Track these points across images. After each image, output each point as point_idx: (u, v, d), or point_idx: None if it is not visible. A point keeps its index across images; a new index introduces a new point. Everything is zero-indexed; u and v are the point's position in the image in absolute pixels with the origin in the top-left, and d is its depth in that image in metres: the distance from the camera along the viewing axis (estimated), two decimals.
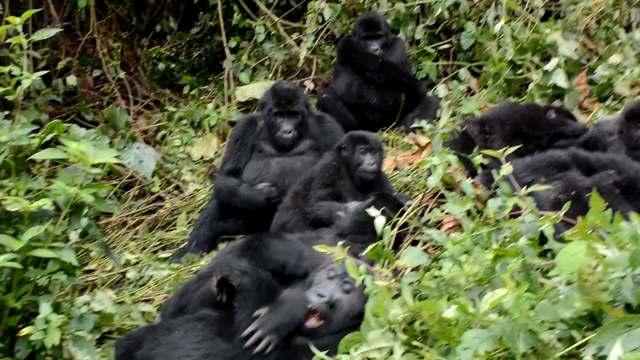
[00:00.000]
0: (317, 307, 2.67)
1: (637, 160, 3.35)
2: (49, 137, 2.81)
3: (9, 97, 2.95)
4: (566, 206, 2.45)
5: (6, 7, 5.39)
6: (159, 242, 4.58)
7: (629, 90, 4.48)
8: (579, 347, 1.77)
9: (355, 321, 2.58)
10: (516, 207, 2.59)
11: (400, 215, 3.05)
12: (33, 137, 2.80)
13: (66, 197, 2.59)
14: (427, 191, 3.17)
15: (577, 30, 5.08)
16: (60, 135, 2.78)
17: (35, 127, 2.82)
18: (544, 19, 5.59)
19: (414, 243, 3.02)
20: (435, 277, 2.41)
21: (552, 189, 3.05)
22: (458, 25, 5.81)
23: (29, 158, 2.81)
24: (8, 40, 3.15)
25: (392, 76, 5.29)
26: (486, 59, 5.28)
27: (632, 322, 1.65)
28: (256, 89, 5.82)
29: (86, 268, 4.19)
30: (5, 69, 2.97)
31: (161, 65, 7.09)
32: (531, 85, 4.59)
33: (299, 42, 6.17)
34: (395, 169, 4.53)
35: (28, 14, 3.04)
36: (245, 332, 2.59)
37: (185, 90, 6.63)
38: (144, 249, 4.49)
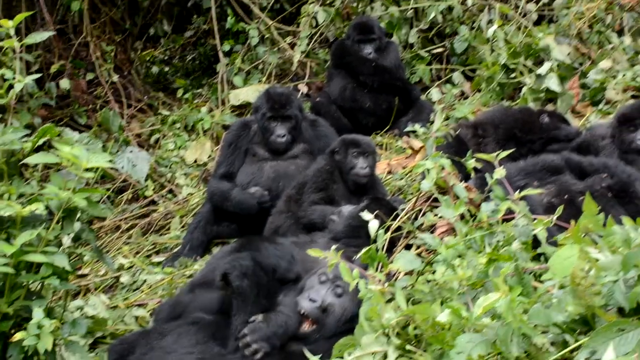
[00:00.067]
0: (309, 312, 2.67)
1: (629, 164, 3.36)
2: (41, 141, 2.80)
3: (2, 101, 2.95)
4: (559, 210, 2.46)
5: None
6: (153, 246, 4.56)
7: (620, 95, 4.49)
8: (572, 351, 1.77)
9: (348, 325, 2.59)
10: (509, 211, 2.59)
11: (394, 219, 3.05)
12: (25, 141, 2.79)
13: (59, 201, 2.58)
14: (421, 195, 3.17)
15: (569, 35, 5.10)
16: (53, 139, 2.77)
17: (28, 131, 2.81)
18: (537, 23, 5.61)
19: (408, 247, 3.02)
20: (429, 281, 2.41)
21: (546, 192, 3.06)
22: (451, 29, 5.83)
23: (21, 162, 2.80)
24: (1, 44, 3.14)
25: (385, 80, 5.29)
26: (479, 62, 5.29)
27: (625, 326, 1.65)
28: (250, 93, 5.82)
29: (79, 272, 4.17)
30: None
31: (155, 69, 7.08)
32: (524, 89, 4.61)
33: (292, 45, 6.16)
34: (389, 172, 4.54)
35: (21, 17, 3.03)
36: (237, 335, 2.60)
37: (179, 93, 6.62)
38: (137, 253, 4.48)
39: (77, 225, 2.67)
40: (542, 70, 4.57)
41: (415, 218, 3.12)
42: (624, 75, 4.63)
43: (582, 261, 1.78)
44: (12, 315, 2.57)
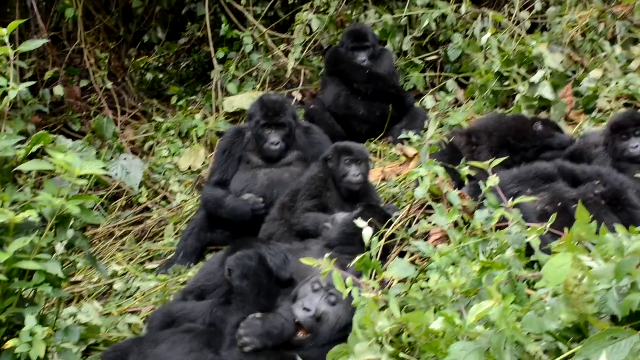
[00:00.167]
0: (304, 321, 2.67)
1: (622, 172, 3.38)
2: (35, 148, 2.80)
3: None
4: (553, 218, 2.47)
5: None
6: (146, 253, 4.55)
7: (613, 103, 4.52)
8: (565, 359, 1.77)
9: (342, 333, 2.59)
10: (503, 219, 2.60)
11: (388, 226, 3.05)
12: (19, 148, 2.79)
13: (52, 208, 2.57)
14: (415, 202, 3.17)
15: (563, 43, 5.13)
16: (47, 146, 2.77)
17: (22, 138, 2.81)
18: (531, 31, 5.64)
19: (402, 254, 3.02)
20: (423, 288, 2.41)
21: (539, 200, 3.07)
22: (445, 37, 5.85)
23: (15, 169, 2.79)
24: None
25: (379, 87, 5.30)
26: (473, 70, 5.31)
27: (618, 334, 1.66)
28: (244, 100, 5.82)
29: (73, 279, 4.16)
30: None
31: (149, 76, 7.09)
32: (518, 97, 4.63)
33: (287, 53, 6.18)
34: (383, 180, 4.54)
35: (15, 24, 3.03)
36: (233, 330, 2.63)
37: (173, 100, 6.62)
38: (131, 260, 4.47)
39: (70, 233, 2.67)
40: (535, 78, 4.59)
41: (409, 226, 3.12)
42: (616, 83, 4.66)
43: (575, 269, 1.78)
44: (4, 323, 2.56)
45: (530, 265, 2.45)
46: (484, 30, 5.49)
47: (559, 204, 3.03)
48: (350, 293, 2.24)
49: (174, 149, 5.72)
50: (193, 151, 5.62)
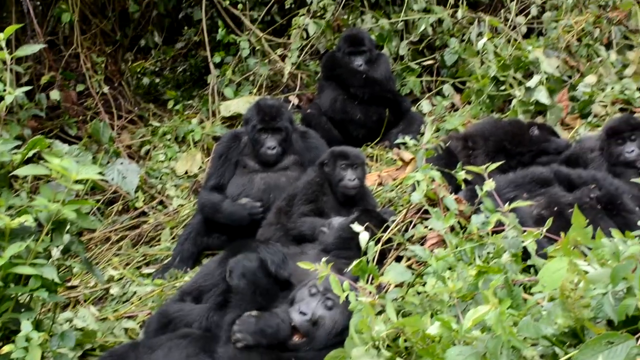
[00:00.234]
0: (300, 325, 2.67)
1: (617, 177, 3.39)
2: (31, 153, 2.80)
3: None
4: (549, 222, 2.47)
5: None
6: (143, 257, 4.55)
7: (608, 108, 4.53)
8: None
9: (338, 338, 2.59)
10: (499, 223, 2.60)
11: (384, 230, 3.05)
12: (15, 153, 2.78)
13: (48, 213, 2.57)
14: (411, 207, 3.17)
15: (558, 48, 5.14)
16: (43, 151, 2.77)
17: (18, 143, 2.81)
18: (526, 36, 5.66)
19: (398, 259, 3.02)
20: (419, 293, 2.41)
21: (535, 204, 3.07)
22: (442, 41, 5.86)
23: (11, 174, 2.79)
24: None
25: (376, 92, 5.31)
26: (469, 75, 5.32)
27: (614, 338, 1.66)
28: (240, 104, 5.82)
29: (69, 284, 4.15)
30: None
31: (145, 80, 7.08)
32: (514, 102, 4.64)
33: (283, 57, 6.18)
34: (380, 184, 4.54)
35: (11, 29, 3.02)
36: (228, 327, 2.64)
37: (170, 105, 6.62)
38: (127, 264, 4.46)
39: (66, 237, 2.67)
40: (531, 82, 4.60)
41: (406, 230, 3.12)
42: (612, 88, 4.67)
43: (571, 274, 1.79)
44: (0, 328, 2.55)
45: (526, 270, 2.46)
46: (480, 34, 5.50)
47: (555, 209, 3.04)
48: (346, 297, 2.24)
49: (170, 153, 5.71)
50: (189, 155, 5.62)
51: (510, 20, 5.71)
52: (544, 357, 1.81)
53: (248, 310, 2.69)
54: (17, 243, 2.47)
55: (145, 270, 4.35)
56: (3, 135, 3.03)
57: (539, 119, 4.52)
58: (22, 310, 2.62)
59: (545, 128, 4.10)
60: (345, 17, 6.11)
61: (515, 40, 5.24)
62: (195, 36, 7.06)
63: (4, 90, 2.92)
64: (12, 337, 2.50)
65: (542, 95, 4.52)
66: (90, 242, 4.82)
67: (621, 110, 4.56)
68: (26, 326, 2.46)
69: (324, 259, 2.41)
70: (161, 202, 5.21)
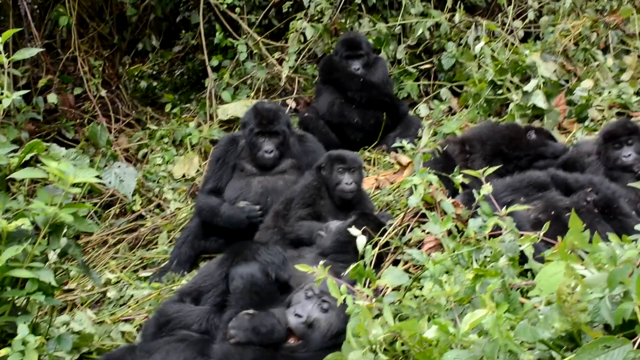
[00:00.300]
0: (295, 327, 2.68)
1: (614, 181, 3.40)
2: (28, 156, 2.80)
3: None
4: (546, 226, 2.47)
5: None
6: (140, 261, 4.54)
7: (605, 112, 4.54)
8: None
9: (334, 340, 2.60)
10: (497, 227, 2.61)
11: (382, 234, 3.06)
12: (12, 156, 2.78)
13: (45, 216, 2.57)
14: (408, 210, 3.18)
15: (555, 52, 5.15)
16: (40, 154, 2.77)
17: (15, 146, 2.81)
18: (524, 40, 5.67)
19: (395, 262, 3.03)
20: (416, 296, 2.42)
21: (532, 208, 3.08)
22: (439, 45, 5.87)
23: (8, 177, 2.79)
24: None
25: (373, 95, 5.31)
26: (467, 79, 5.33)
27: (611, 342, 1.66)
28: (238, 108, 5.82)
29: (65, 287, 4.15)
30: None
31: (143, 83, 7.07)
32: (511, 106, 4.64)
33: (281, 61, 6.18)
34: (377, 188, 4.55)
35: (8, 33, 3.02)
36: (224, 320, 2.68)
37: (167, 108, 6.62)
38: (124, 268, 4.45)
39: (63, 241, 2.67)
40: (528, 87, 4.61)
41: (403, 233, 3.12)
42: (609, 92, 4.68)
43: (568, 278, 1.79)
44: None
45: (523, 274, 2.46)
46: (477, 38, 5.51)
47: (552, 212, 3.04)
48: (343, 300, 2.24)
49: (167, 156, 5.71)
50: (187, 159, 5.62)
51: (507, 25, 5.73)
52: None
53: (246, 309, 2.70)
54: (14, 246, 2.47)
55: (143, 274, 4.35)
56: (0, 139, 3.02)
57: (536, 123, 4.52)
58: (19, 313, 2.62)
59: (542, 132, 4.11)
60: (343, 20, 6.11)
61: (513, 44, 5.26)
62: (192, 40, 7.05)
63: (2, 94, 2.92)
64: (8, 341, 2.50)
65: (539, 100, 4.53)
66: (87, 245, 4.81)
67: (618, 114, 4.57)
68: (23, 329, 2.46)
69: (321, 263, 2.41)
70: (158, 206, 5.21)
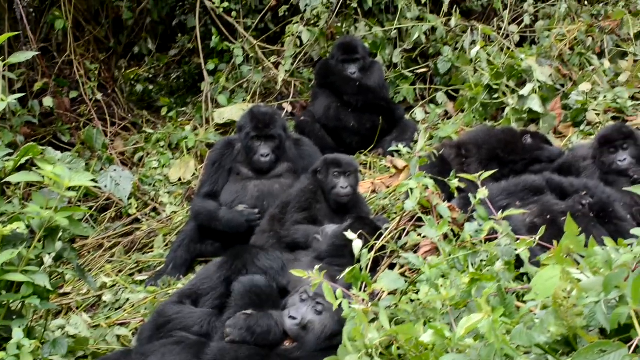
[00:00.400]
0: (289, 329, 2.70)
1: (610, 185, 3.40)
2: (24, 160, 2.79)
3: None
4: (541, 230, 2.47)
5: None
6: (136, 264, 4.54)
7: (601, 116, 4.55)
8: None
9: (328, 342, 2.61)
10: (493, 231, 2.61)
11: (378, 238, 3.06)
12: (8, 160, 2.77)
13: (40, 220, 2.57)
14: (405, 214, 3.18)
15: (551, 56, 5.16)
16: (36, 157, 2.76)
17: (10, 150, 2.80)
18: (519, 44, 5.68)
19: (391, 266, 3.03)
20: (412, 300, 2.41)
21: (528, 212, 3.08)
22: (435, 49, 5.87)
23: (3, 180, 2.78)
24: None
25: (369, 99, 5.31)
26: (463, 83, 5.34)
27: (607, 347, 1.66)
28: (234, 111, 5.82)
29: (61, 291, 4.14)
30: None
31: (139, 87, 7.07)
32: (507, 110, 4.65)
33: (277, 64, 6.18)
34: (373, 191, 4.55)
35: (4, 37, 3.02)
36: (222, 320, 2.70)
37: (163, 112, 6.61)
38: (120, 271, 4.45)
39: (58, 244, 2.66)
40: (524, 91, 4.62)
41: (399, 237, 3.12)
42: (604, 97, 4.69)
43: (564, 282, 1.79)
44: None
45: (519, 278, 2.46)
46: (473, 43, 5.52)
47: (548, 216, 3.05)
48: (339, 303, 2.24)
49: (163, 160, 5.70)
50: (183, 162, 5.61)
51: (503, 29, 5.74)
52: None
53: (245, 308, 2.72)
54: (9, 250, 2.47)
55: (138, 278, 4.34)
56: None
57: (532, 127, 4.53)
58: (14, 317, 2.62)
59: (538, 136, 4.11)
60: (339, 25, 6.12)
61: (509, 48, 5.27)
62: (189, 43, 7.05)
63: None
64: (3, 345, 2.49)
65: (535, 104, 4.53)
66: (82, 249, 4.80)
67: (613, 118, 4.58)
68: (18, 333, 2.45)
69: (317, 266, 2.41)
70: (154, 209, 5.21)
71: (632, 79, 4.93)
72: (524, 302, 2.11)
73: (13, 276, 2.47)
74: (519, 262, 2.43)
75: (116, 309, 3.93)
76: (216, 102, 6.11)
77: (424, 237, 2.88)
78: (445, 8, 5.89)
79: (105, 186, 3.06)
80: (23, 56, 3.09)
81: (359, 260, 2.67)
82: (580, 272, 1.90)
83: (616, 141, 3.66)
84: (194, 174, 5.51)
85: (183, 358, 2.66)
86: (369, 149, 5.34)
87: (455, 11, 5.87)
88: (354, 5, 6.06)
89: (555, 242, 2.15)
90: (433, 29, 5.85)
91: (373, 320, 2.21)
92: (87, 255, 4.77)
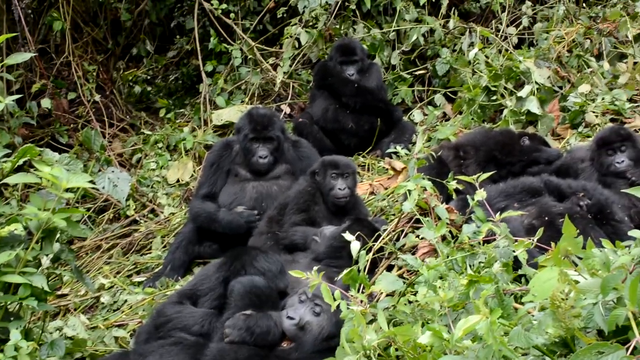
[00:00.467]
0: (287, 329, 2.71)
1: (607, 187, 3.41)
2: (21, 161, 2.79)
3: None
4: (539, 232, 2.48)
5: None
6: (134, 266, 4.53)
7: (599, 118, 4.55)
8: None
9: (325, 344, 2.62)
10: (491, 233, 2.61)
11: (376, 240, 3.06)
12: (5, 161, 2.77)
13: (38, 221, 2.56)
14: (403, 216, 3.18)
15: (549, 58, 5.16)
16: (33, 159, 2.76)
17: (8, 151, 2.80)
18: (517, 46, 5.68)
19: (389, 268, 3.03)
20: (410, 302, 2.41)
21: (526, 214, 3.08)
22: (433, 51, 5.88)
23: (1, 182, 2.78)
24: None
25: (368, 101, 5.31)
26: (461, 85, 5.33)
27: (604, 348, 1.66)
28: (232, 113, 5.82)
29: (59, 293, 4.13)
30: None
31: (137, 88, 7.06)
32: (505, 111, 4.64)
33: (275, 66, 6.18)
34: (371, 193, 4.55)
35: (2, 38, 3.02)
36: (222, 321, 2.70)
37: (162, 113, 6.61)
38: (118, 273, 4.44)
39: (56, 246, 2.66)
40: (522, 92, 4.62)
41: (397, 239, 3.12)
42: (602, 98, 4.69)
43: (562, 283, 1.79)
44: None
45: (517, 279, 2.46)
46: (471, 45, 5.51)
47: (546, 218, 3.05)
48: (337, 305, 2.24)
49: (162, 161, 5.70)
50: (181, 164, 5.61)
51: (501, 31, 5.73)
52: None
53: (244, 309, 2.73)
54: (6, 251, 2.47)
55: (136, 279, 4.34)
56: None
57: (530, 129, 4.53)
58: (12, 319, 2.61)
59: (536, 138, 4.11)
60: (337, 26, 6.12)
61: (507, 50, 5.26)
62: (187, 45, 7.05)
63: None
64: (0, 346, 2.48)
65: (533, 106, 4.53)
66: (80, 250, 4.80)
67: (611, 120, 4.58)
68: (15, 335, 2.45)
69: (315, 268, 2.42)
70: (152, 211, 5.21)
71: (631, 81, 4.93)
72: (522, 303, 2.11)
73: (11, 277, 2.47)
74: (516, 263, 2.44)
75: (114, 311, 3.93)
76: (214, 104, 6.11)
77: (422, 238, 2.88)
78: (443, 10, 5.90)
79: (103, 187, 3.06)
80: (21, 57, 3.09)
81: (357, 262, 2.67)
82: (578, 274, 1.90)
83: (614, 143, 3.66)
84: (192, 175, 5.51)
85: (181, 359, 2.66)
86: (367, 150, 5.34)
87: (454, 13, 5.87)
88: (352, 7, 6.06)
89: (553, 243, 2.15)
90: (431, 31, 5.85)
91: (371, 322, 2.21)
92: (85, 256, 4.77)
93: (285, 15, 6.39)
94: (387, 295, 2.62)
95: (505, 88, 4.78)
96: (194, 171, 5.53)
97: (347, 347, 2.15)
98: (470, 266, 2.52)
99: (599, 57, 5.23)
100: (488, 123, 4.89)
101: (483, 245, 2.60)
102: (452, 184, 3.02)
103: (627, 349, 1.67)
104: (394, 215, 3.96)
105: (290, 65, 6.03)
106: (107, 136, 6.08)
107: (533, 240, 2.48)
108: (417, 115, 5.59)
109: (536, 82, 4.65)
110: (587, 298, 1.80)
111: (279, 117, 4.62)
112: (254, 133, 4.24)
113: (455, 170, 3.69)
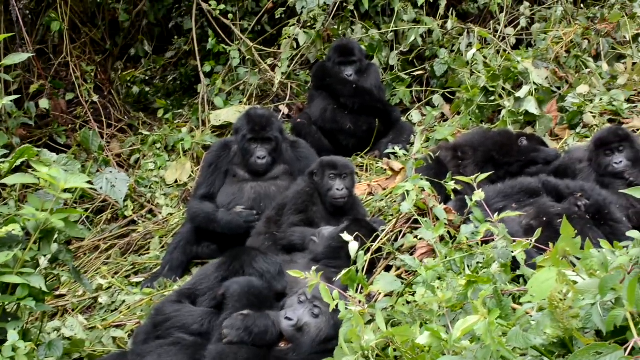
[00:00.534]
0: (285, 330, 2.71)
1: (605, 187, 3.41)
2: (19, 162, 2.79)
3: None
4: (538, 232, 2.48)
5: None
6: (132, 266, 4.53)
7: (597, 119, 4.55)
8: None
9: (323, 346, 2.62)
10: (489, 233, 2.61)
11: (374, 240, 3.06)
12: (3, 162, 2.77)
13: (36, 222, 2.56)
14: (401, 216, 3.18)
15: (547, 59, 5.16)
16: (31, 159, 2.76)
17: (6, 152, 2.80)
18: (516, 47, 5.69)
19: (388, 268, 3.03)
20: (409, 302, 2.42)
21: (524, 215, 3.08)
22: (431, 52, 5.88)
23: None
24: None
25: (366, 101, 5.31)
26: (459, 85, 5.34)
27: (603, 349, 1.66)
28: (230, 113, 5.82)
29: (57, 293, 4.13)
30: None
31: (135, 89, 7.06)
32: (503, 112, 4.65)
33: (273, 67, 6.18)
34: (370, 193, 4.55)
35: (0, 38, 3.02)
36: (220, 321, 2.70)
37: (160, 114, 6.61)
38: (116, 273, 4.44)
39: (54, 246, 2.66)
40: (520, 93, 4.62)
41: (396, 239, 3.13)
42: (600, 99, 4.69)
43: (560, 284, 1.79)
44: None
45: (515, 280, 2.47)
46: (469, 45, 5.52)
47: (544, 219, 3.05)
48: (335, 306, 2.24)
49: (160, 162, 5.70)
50: (179, 164, 5.61)
51: (499, 32, 5.74)
52: None
53: (242, 309, 2.72)
54: (4, 252, 2.46)
55: (134, 279, 4.34)
56: None
57: (528, 130, 4.53)
58: (9, 319, 2.61)
59: (534, 138, 4.12)
60: (336, 27, 6.12)
61: (505, 51, 5.27)
62: (185, 45, 7.05)
63: None
64: None
65: (531, 106, 4.54)
66: (78, 250, 4.80)
67: (610, 121, 4.59)
68: (13, 336, 2.45)
69: (313, 268, 2.42)
70: (150, 211, 5.20)
71: (629, 82, 4.93)
72: (520, 304, 2.12)
73: (8, 278, 2.47)
74: (515, 264, 2.44)
75: (112, 311, 3.92)
76: (212, 104, 6.11)
77: (420, 239, 2.88)
78: (441, 11, 5.90)
79: (101, 188, 3.06)
80: (18, 57, 3.08)
81: (355, 262, 2.67)
82: (576, 274, 1.90)
83: (612, 144, 3.67)
84: (190, 176, 5.51)
85: (180, 359, 2.66)
86: (365, 151, 5.34)
87: (452, 14, 5.88)
88: (351, 7, 6.07)
89: (551, 244, 2.15)
90: (429, 32, 5.86)
91: (369, 322, 2.21)
92: (83, 257, 4.77)
93: (283, 15, 6.39)
94: (385, 295, 2.62)
95: (503, 89, 4.78)
96: (192, 172, 5.53)
97: (346, 347, 2.15)
98: (468, 267, 2.52)
99: (597, 57, 5.24)
100: (486, 123, 4.90)
101: (481, 245, 2.60)
102: (450, 185, 3.02)
103: (626, 350, 1.67)
104: (392, 215, 3.96)
105: (289, 66, 6.03)
106: (105, 137, 6.08)
107: (531, 240, 2.48)
108: (415, 115, 5.60)
109: (534, 83, 4.65)
110: (586, 298, 1.80)
111: (277, 117, 4.62)
112: (252, 134, 4.24)
113: (454, 170, 3.69)
